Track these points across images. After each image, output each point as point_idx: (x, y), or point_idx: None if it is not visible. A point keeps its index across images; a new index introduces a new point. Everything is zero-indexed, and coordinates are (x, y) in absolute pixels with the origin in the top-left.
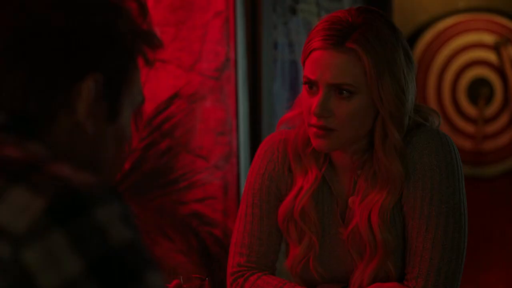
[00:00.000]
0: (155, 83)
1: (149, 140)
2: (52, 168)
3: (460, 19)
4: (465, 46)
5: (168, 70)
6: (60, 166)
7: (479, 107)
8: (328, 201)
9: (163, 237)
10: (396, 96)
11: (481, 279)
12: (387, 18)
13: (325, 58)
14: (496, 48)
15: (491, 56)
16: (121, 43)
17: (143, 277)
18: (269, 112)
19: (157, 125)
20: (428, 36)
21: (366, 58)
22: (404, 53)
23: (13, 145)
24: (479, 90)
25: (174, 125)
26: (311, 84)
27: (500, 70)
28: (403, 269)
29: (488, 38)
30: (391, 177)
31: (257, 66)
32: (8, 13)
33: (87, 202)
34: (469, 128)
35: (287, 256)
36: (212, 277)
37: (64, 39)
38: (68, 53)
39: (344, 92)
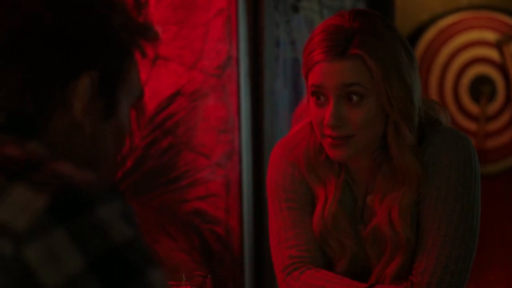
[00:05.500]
0: (157, 81)
1: (151, 138)
2: (52, 166)
3: (462, 17)
4: (467, 44)
5: (170, 68)
6: (61, 164)
7: (481, 105)
8: (348, 199)
9: (165, 235)
10: (405, 96)
11: (481, 278)
12: (382, 17)
13: (330, 68)
14: (498, 45)
15: (493, 54)
16: (116, 39)
17: (144, 274)
18: (271, 110)
19: (159, 123)
20: (430, 34)
21: (371, 61)
22: (405, 51)
23: (12, 144)
24: (481, 88)
25: (176, 123)
26: (319, 94)
27: (502, 68)
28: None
29: (490, 35)
30: (407, 174)
31: (259, 64)
32: (2, 13)
33: (88, 200)
34: (471, 126)
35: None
36: (214, 275)
37: (59, 37)
38: (63, 52)
39: (354, 97)
